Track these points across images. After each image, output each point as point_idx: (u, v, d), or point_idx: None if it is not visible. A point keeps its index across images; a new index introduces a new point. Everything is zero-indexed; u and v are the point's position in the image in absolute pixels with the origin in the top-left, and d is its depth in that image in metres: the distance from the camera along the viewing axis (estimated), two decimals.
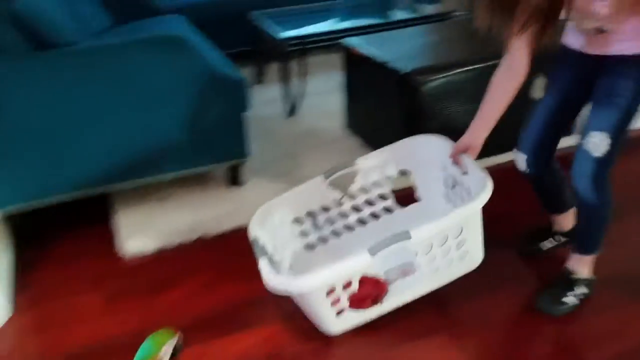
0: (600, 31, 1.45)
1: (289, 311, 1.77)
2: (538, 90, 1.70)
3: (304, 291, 1.56)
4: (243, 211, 2.27)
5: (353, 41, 2.73)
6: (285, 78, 3.09)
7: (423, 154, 1.94)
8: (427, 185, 2.00)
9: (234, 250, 2.10)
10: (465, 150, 1.75)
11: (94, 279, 1.97)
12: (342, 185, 1.93)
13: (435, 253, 1.63)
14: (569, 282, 1.72)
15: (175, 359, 1.51)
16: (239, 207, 2.32)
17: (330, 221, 1.96)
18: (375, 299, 1.64)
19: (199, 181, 2.50)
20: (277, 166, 2.62)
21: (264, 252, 1.61)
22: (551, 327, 1.67)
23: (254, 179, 2.51)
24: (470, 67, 2.37)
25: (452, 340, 1.63)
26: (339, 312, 1.63)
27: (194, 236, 2.17)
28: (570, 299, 1.70)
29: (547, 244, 1.94)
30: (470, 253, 1.72)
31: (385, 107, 2.55)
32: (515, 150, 1.77)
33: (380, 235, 1.59)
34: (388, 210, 2.04)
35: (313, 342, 1.66)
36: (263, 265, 1.55)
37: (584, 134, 1.55)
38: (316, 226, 1.93)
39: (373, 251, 1.52)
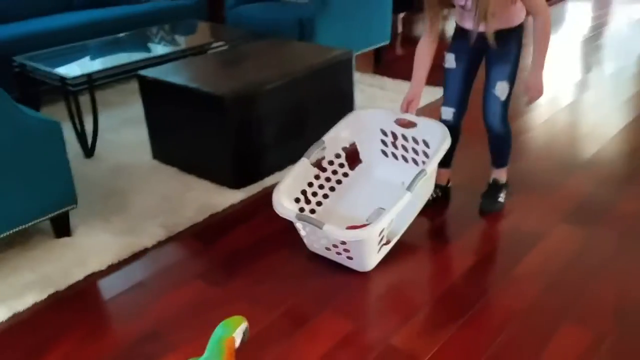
0: None
1: (188, 337, 1.82)
2: (448, 61, 2.29)
3: (374, 234, 1.94)
4: (87, 258, 2.21)
5: (149, 72, 2.80)
6: (75, 117, 2.97)
7: (364, 123, 2.45)
8: (368, 147, 2.50)
9: (95, 298, 2.05)
10: (411, 102, 2.29)
11: None
12: (317, 162, 2.35)
13: (423, 186, 2.14)
14: (499, 187, 2.45)
15: (243, 345, 1.49)
16: (81, 255, 2.22)
17: (314, 194, 2.33)
18: None
19: (23, 237, 2.30)
20: (100, 208, 2.54)
21: (320, 221, 1.95)
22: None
23: (81, 226, 2.41)
24: (272, 85, 2.67)
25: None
26: (379, 249, 2.05)
27: (45, 294, 2.02)
28: (502, 198, 2.44)
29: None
30: (432, 184, 2.35)
31: (201, 131, 2.68)
32: (443, 106, 2.33)
33: (348, 196, 2.35)
34: (346, 175, 2.48)
35: None
36: (331, 229, 1.92)
37: (490, 84, 2.19)
38: (307, 201, 2.28)
39: (410, 189, 2.00)
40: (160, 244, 2.33)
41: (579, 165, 2.81)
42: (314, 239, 2.11)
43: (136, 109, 3.60)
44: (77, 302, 2.02)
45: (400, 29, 5.31)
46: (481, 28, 2.06)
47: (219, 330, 1.46)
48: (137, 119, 3.44)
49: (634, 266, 2.09)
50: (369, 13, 4.02)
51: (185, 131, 2.76)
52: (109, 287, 2.11)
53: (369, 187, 2.43)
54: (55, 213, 2.25)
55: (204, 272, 2.17)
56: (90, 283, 2.11)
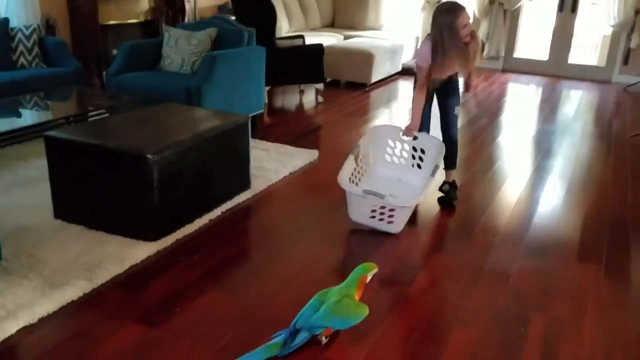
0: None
1: None
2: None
3: (417, 203, 3.18)
4: (16, 313, 2.18)
5: (58, 133, 2.87)
6: None
7: (379, 135, 3.51)
8: (377, 153, 3.51)
9: (32, 351, 2.04)
10: (412, 129, 3.34)
11: None
12: (357, 158, 3.30)
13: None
14: (454, 185, 3.51)
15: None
16: (8, 311, 2.19)
17: (352, 180, 3.21)
18: None
19: None
20: (14, 267, 2.49)
21: (382, 194, 2.92)
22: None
23: None
24: (188, 144, 2.89)
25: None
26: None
27: None
28: (457, 192, 3.51)
29: None
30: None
31: (116, 188, 2.78)
32: (420, 131, 3.40)
33: (367, 185, 3.25)
34: (365, 171, 3.42)
35: None
36: (391, 198, 2.90)
37: (450, 110, 3.34)
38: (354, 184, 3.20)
39: (433, 174, 3.12)
40: (86, 296, 2.37)
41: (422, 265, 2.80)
42: (364, 209, 2.97)
43: (23, 170, 3.56)
44: (13, 357, 1.99)
45: (266, 100, 5.78)
46: (444, 76, 3.21)
47: (359, 269, 2.11)
48: (27, 181, 3.41)
49: None
50: (246, 85, 4.42)
51: (96, 189, 2.83)
52: (46, 340, 2.11)
53: (376, 181, 3.40)
54: None
55: (140, 316, 2.26)
56: (24, 337, 2.10)
